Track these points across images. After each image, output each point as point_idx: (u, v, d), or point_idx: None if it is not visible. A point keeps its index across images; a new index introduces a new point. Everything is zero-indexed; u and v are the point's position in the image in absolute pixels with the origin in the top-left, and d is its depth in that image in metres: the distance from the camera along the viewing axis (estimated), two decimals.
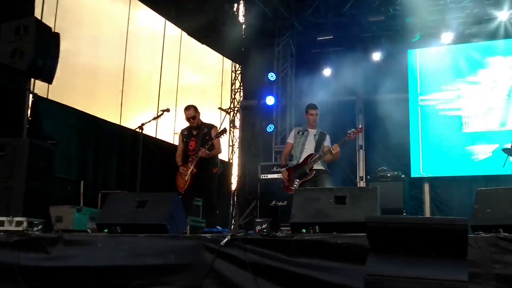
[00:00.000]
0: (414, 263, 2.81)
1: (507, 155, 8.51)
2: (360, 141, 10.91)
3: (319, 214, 4.79)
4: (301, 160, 6.90)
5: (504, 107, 10.20)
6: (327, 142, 7.02)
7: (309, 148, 6.95)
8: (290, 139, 7.18)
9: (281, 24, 11.38)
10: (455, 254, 2.78)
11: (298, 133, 7.11)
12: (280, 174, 8.94)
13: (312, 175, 6.77)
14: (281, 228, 5.41)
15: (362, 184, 10.59)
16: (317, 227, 4.67)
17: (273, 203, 8.33)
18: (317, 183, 6.76)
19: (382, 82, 10.70)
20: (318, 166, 6.81)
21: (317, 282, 3.97)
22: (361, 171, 10.92)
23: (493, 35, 10.22)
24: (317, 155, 6.82)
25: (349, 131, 6.88)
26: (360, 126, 7.13)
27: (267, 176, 9.38)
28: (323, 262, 4.05)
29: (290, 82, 11.35)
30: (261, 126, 11.27)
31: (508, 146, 8.24)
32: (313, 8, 11.03)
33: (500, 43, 10.30)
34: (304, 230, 4.70)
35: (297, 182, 6.78)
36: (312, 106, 7.13)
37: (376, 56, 10.92)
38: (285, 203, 8.38)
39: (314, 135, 7.01)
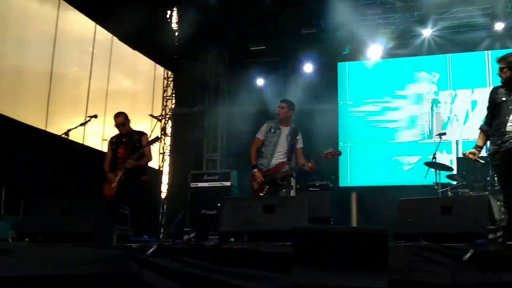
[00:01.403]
0: (336, 271, 2.87)
1: (428, 166, 8.87)
2: None
3: (248, 223, 4.82)
4: (272, 164, 6.73)
5: (428, 120, 10.63)
6: (299, 144, 6.88)
7: (282, 151, 6.76)
8: (260, 135, 6.92)
9: (215, 33, 11.38)
10: (376, 263, 2.86)
11: (270, 130, 6.87)
12: (215, 182, 8.82)
13: (283, 186, 6.68)
14: (210, 237, 5.37)
15: (292, 193, 10.68)
16: (245, 236, 4.70)
17: (203, 211, 8.26)
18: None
19: (313, 93, 10.89)
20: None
21: None
22: (292, 180, 11.02)
23: (418, 51, 10.63)
24: (289, 168, 6.73)
25: (326, 151, 6.72)
26: (339, 150, 6.96)
27: (197, 184, 9.29)
28: (251, 271, 4.06)
29: (223, 90, 11.36)
30: (192, 134, 11.20)
31: (430, 157, 8.58)
32: (247, 18, 11.10)
33: (424, 59, 10.74)
34: (232, 239, 4.70)
35: (266, 188, 6.61)
36: (281, 100, 7.07)
37: (308, 67, 11.11)
38: (214, 211, 8.34)
39: (287, 135, 6.82)
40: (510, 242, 4.00)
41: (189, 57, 10.86)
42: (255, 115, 10.13)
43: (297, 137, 6.87)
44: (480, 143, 5.60)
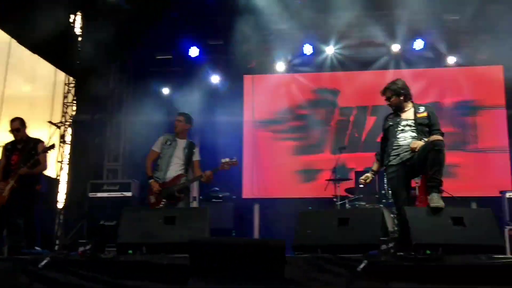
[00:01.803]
0: (233, 283, 2.87)
1: (328, 179, 9.18)
2: None
3: (148, 235, 4.74)
4: (168, 177, 6.70)
5: (329, 135, 10.97)
6: (196, 157, 6.93)
7: (178, 162, 6.78)
8: (156, 147, 6.92)
9: (120, 40, 11.12)
10: (273, 274, 2.89)
11: (166, 142, 6.89)
12: (108, 192, 8.60)
13: (180, 198, 6.64)
14: (109, 249, 5.23)
15: (194, 204, 10.64)
16: (144, 247, 4.62)
17: (101, 222, 8.05)
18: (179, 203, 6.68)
19: (219, 105, 10.93)
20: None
21: None
22: (194, 192, 10.98)
23: (321, 67, 10.96)
24: (187, 180, 6.74)
25: (223, 160, 6.81)
26: (234, 158, 7.01)
27: (96, 194, 9.04)
28: (149, 284, 3.99)
29: (126, 99, 11.11)
30: (93, 142, 10.85)
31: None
32: (153, 26, 10.94)
33: (327, 75, 11.09)
34: (131, 251, 4.61)
35: (164, 201, 6.59)
36: (178, 113, 7.13)
37: (215, 78, 11.13)
38: (114, 222, 8.14)
39: (183, 148, 6.86)
40: (401, 253, 4.19)
41: (92, 64, 10.53)
42: (160, 125, 9.99)
43: (194, 150, 6.95)
44: (374, 168, 5.97)
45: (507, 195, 8.75)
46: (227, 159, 6.78)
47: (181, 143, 6.89)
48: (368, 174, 5.91)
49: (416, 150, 5.32)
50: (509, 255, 6.11)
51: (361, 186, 6.13)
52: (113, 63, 11.13)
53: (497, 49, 9.82)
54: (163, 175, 6.70)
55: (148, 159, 6.98)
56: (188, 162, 6.83)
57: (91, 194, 9.07)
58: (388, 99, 5.76)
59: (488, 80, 10.69)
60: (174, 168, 6.73)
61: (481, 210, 5.17)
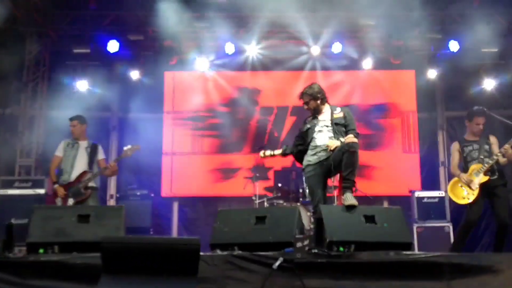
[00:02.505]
0: (146, 283, 2.84)
1: (246, 177, 9.28)
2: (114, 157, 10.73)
3: (60, 233, 4.63)
4: (73, 177, 6.81)
5: (249, 134, 11.06)
6: (101, 155, 7.10)
7: (82, 162, 6.91)
8: (59, 152, 7.06)
9: (35, 31, 10.69)
10: (187, 273, 2.89)
11: (67, 145, 7.04)
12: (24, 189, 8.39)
13: (88, 195, 6.73)
14: (20, 248, 5.04)
15: (111, 202, 10.42)
16: (56, 247, 4.50)
17: (11, 220, 7.75)
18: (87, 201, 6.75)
19: (139, 101, 10.73)
20: (90, 183, 6.84)
21: None
22: (111, 189, 10.75)
23: (243, 66, 11.00)
24: (92, 174, 6.81)
25: (125, 148, 7.03)
26: (138, 144, 7.20)
27: (7, 191, 8.70)
28: (60, 284, 3.90)
29: (41, 93, 10.69)
30: (4, 137, 10.36)
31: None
32: (71, 19, 10.60)
33: (248, 74, 11.15)
34: (42, 250, 4.48)
35: (71, 201, 6.65)
36: (70, 118, 7.28)
37: (134, 74, 10.89)
38: (26, 220, 7.87)
39: (86, 147, 7.00)
40: (315, 250, 4.30)
41: (4, 54, 10.06)
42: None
43: (97, 149, 7.13)
44: (276, 152, 6.18)
45: (416, 194, 9.21)
46: (129, 146, 7.07)
47: (83, 144, 7.08)
48: (268, 151, 6.12)
49: (333, 149, 5.49)
50: (416, 252, 6.41)
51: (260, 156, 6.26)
52: (28, 55, 10.66)
53: (410, 55, 10.29)
54: (68, 177, 6.85)
55: (52, 164, 7.13)
56: (92, 160, 7.00)
57: (1, 191, 8.74)
58: (306, 103, 5.94)
59: (401, 84, 11.17)
60: (79, 168, 6.88)
61: (391, 208, 5.38)
